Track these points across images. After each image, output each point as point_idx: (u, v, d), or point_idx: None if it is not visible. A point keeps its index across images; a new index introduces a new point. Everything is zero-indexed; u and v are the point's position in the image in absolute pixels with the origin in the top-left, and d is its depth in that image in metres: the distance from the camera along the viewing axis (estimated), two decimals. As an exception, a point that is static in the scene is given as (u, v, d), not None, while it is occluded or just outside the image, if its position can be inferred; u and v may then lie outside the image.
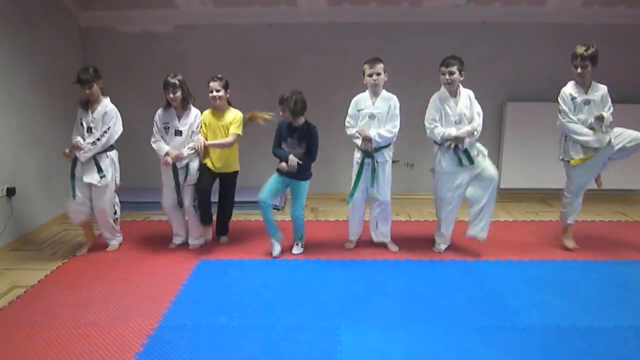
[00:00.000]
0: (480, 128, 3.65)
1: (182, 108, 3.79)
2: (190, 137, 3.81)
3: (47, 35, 4.70)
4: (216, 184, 4.01)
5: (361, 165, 3.79)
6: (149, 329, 2.77)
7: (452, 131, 3.62)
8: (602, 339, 2.66)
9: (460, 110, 3.65)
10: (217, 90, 3.75)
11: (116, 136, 3.79)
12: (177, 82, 3.68)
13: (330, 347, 2.60)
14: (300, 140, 3.69)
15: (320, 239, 4.22)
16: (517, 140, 5.37)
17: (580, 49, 3.62)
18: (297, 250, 3.97)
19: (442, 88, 3.70)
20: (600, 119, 3.61)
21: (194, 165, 3.85)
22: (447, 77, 3.60)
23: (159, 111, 3.84)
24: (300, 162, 3.65)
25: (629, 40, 5.27)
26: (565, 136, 3.82)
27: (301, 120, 3.69)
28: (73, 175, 3.80)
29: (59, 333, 2.73)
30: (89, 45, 5.30)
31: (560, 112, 3.76)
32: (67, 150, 3.73)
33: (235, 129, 3.85)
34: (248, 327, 2.80)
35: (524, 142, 5.30)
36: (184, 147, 3.78)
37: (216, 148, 3.84)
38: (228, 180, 4.04)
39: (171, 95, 3.69)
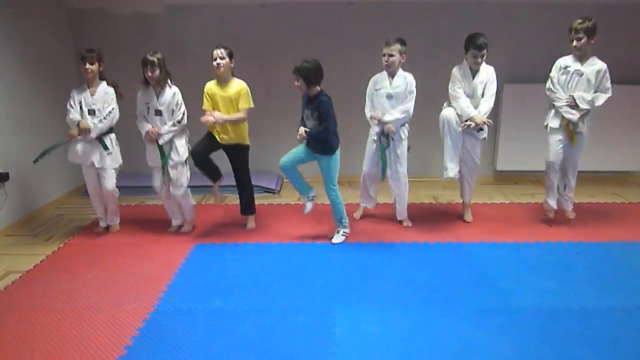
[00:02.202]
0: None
1: (161, 87, 3.72)
2: (172, 115, 3.74)
3: (35, 18, 4.61)
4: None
5: (378, 140, 3.89)
6: (145, 313, 2.77)
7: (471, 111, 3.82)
8: (595, 320, 2.68)
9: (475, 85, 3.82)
10: (221, 58, 3.62)
11: (116, 118, 3.82)
12: (155, 60, 3.59)
13: (325, 329, 2.62)
14: (313, 111, 3.54)
15: (318, 222, 4.21)
16: (514, 123, 5.34)
17: (576, 22, 3.68)
18: (337, 239, 3.81)
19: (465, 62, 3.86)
20: (571, 105, 3.76)
21: (181, 142, 3.81)
22: (480, 59, 3.76)
23: (140, 91, 3.79)
24: (307, 130, 3.51)
25: (628, 20, 5.21)
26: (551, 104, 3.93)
27: (316, 89, 3.52)
28: (55, 147, 3.82)
29: (55, 318, 2.74)
30: (79, 28, 5.21)
31: (549, 78, 3.88)
32: (73, 131, 3.70)
33: (245, 103, 3.73)
34: (244, 311, 2.81)
35: (521, 124, 5.27)
36: (165, 125, 3.73)
37: (228, 124, 3.74)
38: (237, 155, 3.89)
39: (149, 74, 3.62)
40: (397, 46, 3.69)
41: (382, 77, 3.84)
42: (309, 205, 3.82)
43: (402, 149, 3.90)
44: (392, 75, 3.80)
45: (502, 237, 3.87)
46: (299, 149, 3.70)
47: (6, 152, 4.14)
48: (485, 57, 3.77)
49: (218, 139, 3.79)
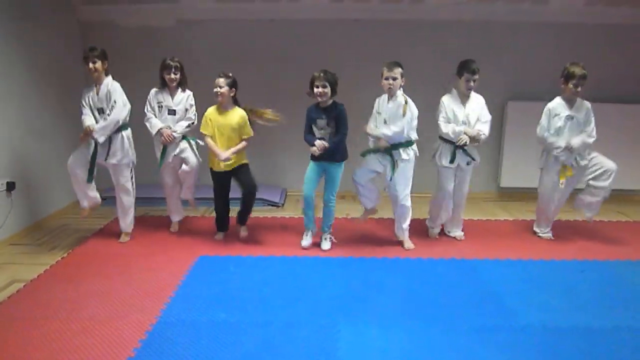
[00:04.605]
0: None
1: (177, 89, 3.96)
2: (185, 114, 3.98)
3: (47, 29, 4.68)
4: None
5: (382, 160, 3.87)
6: (148, 325, 2.77)
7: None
8: (600, 339, 2.66)
9: (468, 114, 3.87)
10: (220, 87, 3.74)
11: (125, 111, 3.81)
12: (178, 64, 3.87)
13: (329, 344, 2.61)
14: (329, 120, 3.68)
15: (320, 236, 4.20)
16: (518, 140, 5.36)
17: (579, 70, 3.76)
18: (325, 245, 3.95)
19: (454, 91, 3.90)
20: (569, 149, 3.85)
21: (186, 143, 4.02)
22: (472, 84, 3.80)
23: (153, 91, 3.98)
24: (326, 145, 3.64)
25: (631, 40, 5.25)
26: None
27: (330, 100, 3.69)
28: (94, 158, 3.80)
29: (58, 327, 2.74)
30: (89, 40, 5.26)
31: (539, 124, 3.99)
32: (81, 135, 3.77)
33: (248, 132, 3.86)
34: (247, 324, 2.80)
35: (525, 142, 5.27)
36: (176, 124, 3.96)
37: (234, 154, 3.82)
38: (241, 171, 3.95)
39: (172, 76, 3.86)
40: (399, 69, 3.66)
41: (383, 100, 3.83)
42: (308, 240, 3.98)
43: (405, 170, 3.81)
44: (390, 97, 3.76)
45: (506, 254, 3.86)
46: (310, 170, 3.84)
47: (14, 162, 4.18)
48: (476, 82, 3.80)
49: (222, 167, 3.85)
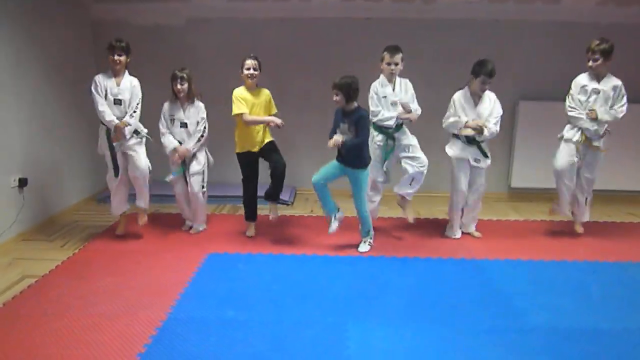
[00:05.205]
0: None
1: (187, 101, 3.96)
2: (197, 127, 4.00)
3: (60, 27, 4.72)
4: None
5: (384, 146, 3.95)
6: (158, 321, 2.79)
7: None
8: (610, 341, 2.64)
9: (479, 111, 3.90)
10: (255, 69, 3.81)
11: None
12: (185, 75, 3.87)
13: (337, 343, 2.61)
14: (350, 125, 3.64)
15: (328, 235, 4.20)
16: (529, 140, 5.32)
17: (594, 43, 3.78)
18: (363, 248, 3.90)
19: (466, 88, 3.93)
20: (594, 119, 3.84)
21: (201, 152, 4.07)
22: (487, 86, 3.84)
23: (166, 104, 4.02)
24: (343, 141, 3.58)
25: (643, 39, 5.20)
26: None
27: (353, 105, 3.64)
28: (112, 149, 3.85)
29: (69, 323, 2.76)
30: (101, 38, 5.29)
31: (568, 95, 3.97)
32: (114, 136, 3.78)
33: (274, 108, 4.02)
34: (256, 322, 2.81)
35: (536, 142, 5.25)
36: (190, 138, 4.00)
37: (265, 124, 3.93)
38: (269, 146, 4.00)
39: (179, 87, 3.86)
40: (400, 54, 3.82)
41: (383, 85, 3.91)
42: (334, 225, 3.86)
43: (412, 139, 3.96)
44: (390, 81, 3.90)
45: (516, 254, 3.84)
46: (329, 166, 3.79)
47: (26, 158, 4.22)
48: (490, 84, 3.85)
49: (258, 148, 3.94)
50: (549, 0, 5.00)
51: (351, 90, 3.54)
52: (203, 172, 4.10)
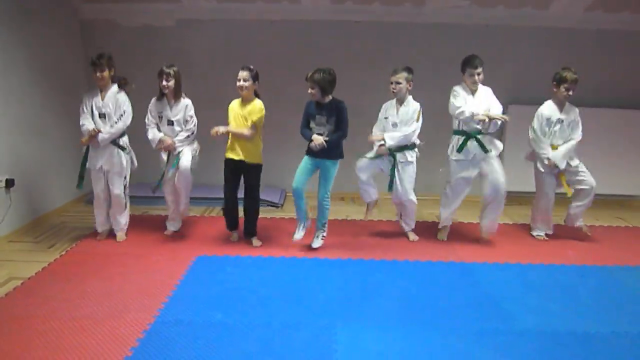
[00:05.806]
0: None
1: (174, 98, 3.89)
2: (184, 125, 3.92)
3: (48, 27, 4.68)
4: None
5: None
6: (146, 324, 2.76)
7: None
8: (598, 344, 2.66)
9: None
10: (245, 80, 3.72)
11: (130, 118, 3.86)
12: (171, 71, 3.78)
13: (326, 346, 2.60)
14: (329, 117, 3.67)
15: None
16: (519, 144, 5.32)
17: (571, 75, 3.86)
18: (317, 243, 3.93)
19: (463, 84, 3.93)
20: (554, 165, 4.04)
21: (189, 148, 3.96)
22: (477, 77, 3.84)
23: (153, 100, 3.96)
24: (327, 139, 3.62)
25: (631, 46, 5.26)
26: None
27: (329, 97, 3.67)
28: (84, 164, 3.87)
29: (55, 325, 2.73)
30: (90, 38, 5.29)
31: (531, 127, 4.12)
32: (84, 139, 3.78)
33: (255, 119, 3.75)
34: (244, 324, 2.79)
35: (525, 145, 5.26)
36: (177, 135, 3.93)
37: (237, 137, 3.80)
38: (250, 171, 3.88)
39: (164, 83, 3.79)
40: (404, 74, 3.79)
41: (391, 105, 3.95)
42: (301, 233, 3.92)
43: (409, 171, 3.95)
44: (400, 102, 3.89)
45: (505, 258, 3.85)
46: (302, 167, 3.80)
47: (13, 159, 4.17)
48: (481, 76, 3.84)
49: (234, 157, 3.82)
50: (538, 5, 5.05)
51: (327, 83, 3.57)
52: (189, 170, 3.92)
